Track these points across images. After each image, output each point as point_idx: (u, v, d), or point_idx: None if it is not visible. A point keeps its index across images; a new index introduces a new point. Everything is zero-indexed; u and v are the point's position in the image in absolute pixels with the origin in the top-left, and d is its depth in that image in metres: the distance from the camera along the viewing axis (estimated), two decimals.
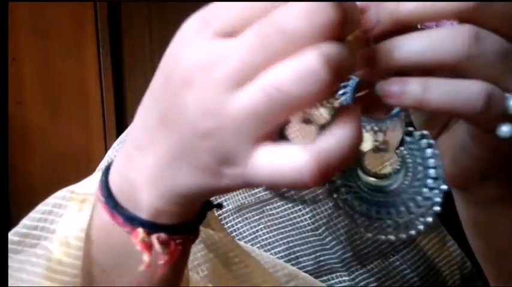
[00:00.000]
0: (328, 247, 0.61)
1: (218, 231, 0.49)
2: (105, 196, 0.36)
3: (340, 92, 0.38)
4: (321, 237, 0.61)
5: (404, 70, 0.36)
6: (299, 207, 0.61)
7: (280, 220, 0.61)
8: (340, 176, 0.37)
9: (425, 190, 0.37)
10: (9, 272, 0.41)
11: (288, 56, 0.29)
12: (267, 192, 0.61)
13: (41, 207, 0.42)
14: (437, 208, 0.36)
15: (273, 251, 0.61)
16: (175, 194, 0.34)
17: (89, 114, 1.90)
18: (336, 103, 0.37)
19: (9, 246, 0.41)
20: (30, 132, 1.88)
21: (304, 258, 0.61)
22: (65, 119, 1.89)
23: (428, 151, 0.37)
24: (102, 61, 1.86)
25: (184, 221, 0.36)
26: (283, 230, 0.61)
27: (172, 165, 0.33)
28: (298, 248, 0.61)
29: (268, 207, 0.61)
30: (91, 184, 0.40)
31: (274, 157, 0.30)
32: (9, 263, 0.41)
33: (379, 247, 0.61)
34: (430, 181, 0.37)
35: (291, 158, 0.30)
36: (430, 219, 0.36)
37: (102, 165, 0.67)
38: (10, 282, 0.41)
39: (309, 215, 0.61)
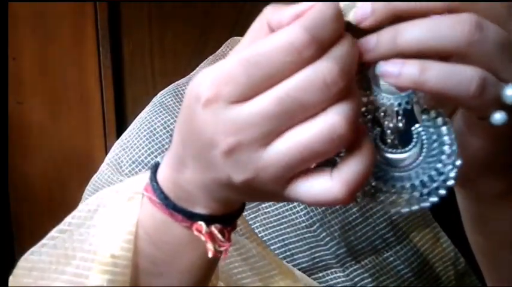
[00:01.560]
0: (322, 243, 0.61)
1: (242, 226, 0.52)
2: (161, 198, 0.41)
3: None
4: (316, 233, 0.61)
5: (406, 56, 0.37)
6: (294, 204, 0.62)
7: (276, 217, 0.62)
8: None
9: (439, 165, 0.38)
10: (45, 265, 0.45)
11: (306, 118, 0.34)
12: None
13: (84, 206, 0.45)
14: (451, 182, 0.38)
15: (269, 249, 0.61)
16: (228, 201, 0.40)
17: (89, 114, 1.89)
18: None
19: (51, 242, 0.45)
20: (30, 133, 1.88)
21: (300, 255, 0.61)
22: (65, 119, 1.89)
23: (444, 129, 0.38)
24: (102, 61, 1.86)
25: (230, 212, 0.42)
26: (278, 227, 0.62)
27: (220, 188, 0.39)
28: (293, 245, 0.61)
29: (263, 205, 0.62)
30: (133, 183, 0.44)
31: (309, 187, 0.36)
32: (46, 257, 0.45)
33: (372, 243, 0.61)
34: (444, 157, 0.38)
35: (325, 187, 0.35)
36: (443, 192, 0.38)
37: (103, 168, 0.67)
38: (45, 275, 0.44)
39: (303, 212, 0.61)
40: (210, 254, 0.41)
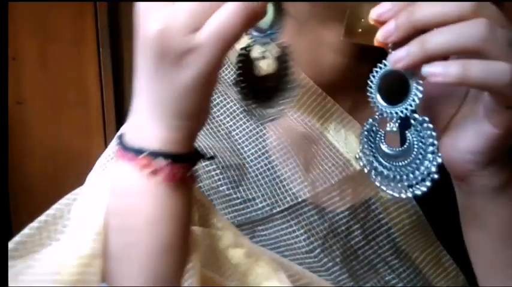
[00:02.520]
0: (323, 269, 0.60)
1: (222, 225, 0.53)
2: (119, 142, 0.44)
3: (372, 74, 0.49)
4: (317, 259, 0.60)
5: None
6: (293, 228, 0.60)
7: (273, 241, 0.61)
8: (369, 150, 0.50)
9: (426, 162, 0.47)
10: (41, 241, 0.46)
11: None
12: (258, 212, 0.60)
13: (70, 196, 0.48)
14: (434, 176, 0.46)
15: None
16: (161, 109, 0.42)
17: (89, 114, 1.89)
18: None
19: (39, 225, 0.47)
20: (30, 133, 1.88)
21: None
22: (65, 119, 1.89)
23: (428, 133, 0.47)
24: (102, 61, 1.86)
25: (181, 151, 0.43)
26: (276, 251, 0.60)
27: (152, 81, 0.42)
28: None
29: (259, 228, 0.61)
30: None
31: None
32: (45, 233, 0.47)
33: (375, 267, 0.61)
34: (429, 156, 0.47)
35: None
36: (429, 183, 0.47)
37: (98, 165, 0.67)
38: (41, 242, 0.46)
39: (303, 237, 0.60)
40: (142, 176, 0.42)
